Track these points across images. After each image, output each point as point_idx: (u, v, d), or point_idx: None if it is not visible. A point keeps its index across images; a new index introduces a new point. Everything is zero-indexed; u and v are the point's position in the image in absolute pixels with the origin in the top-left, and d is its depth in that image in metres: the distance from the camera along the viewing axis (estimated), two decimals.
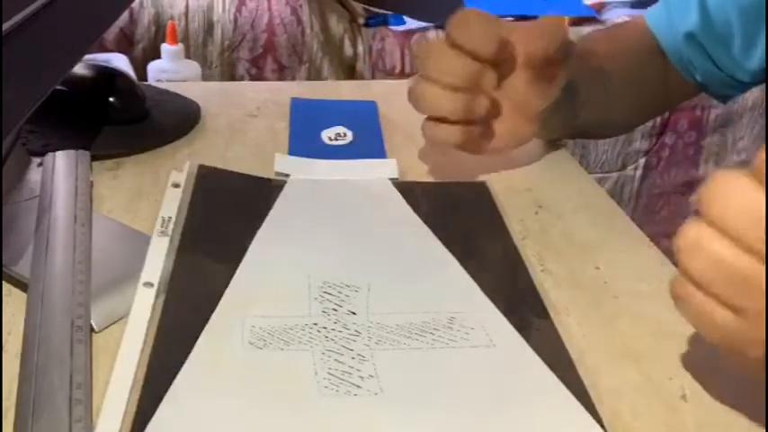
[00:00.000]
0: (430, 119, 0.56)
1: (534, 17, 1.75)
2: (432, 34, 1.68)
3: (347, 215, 0.55)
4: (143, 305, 0.43)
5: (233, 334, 0.41)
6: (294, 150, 0.63)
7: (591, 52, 0.67)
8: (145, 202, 0.54)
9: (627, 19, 1.60)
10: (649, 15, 0.73)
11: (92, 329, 0.41)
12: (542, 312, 0.45)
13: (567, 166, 0.65)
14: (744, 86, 0.71)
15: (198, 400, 0.37)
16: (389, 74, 1.67)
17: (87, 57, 0.91)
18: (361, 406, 0.37)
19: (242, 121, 0.69)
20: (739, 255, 0.32)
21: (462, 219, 0.56)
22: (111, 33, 1.52)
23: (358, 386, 0.39)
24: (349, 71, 1.67)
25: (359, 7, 1.68)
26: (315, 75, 1.62)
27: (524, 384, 0.40)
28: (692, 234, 0.33)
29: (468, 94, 0.54)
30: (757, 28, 0.65)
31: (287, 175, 0.59)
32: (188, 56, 1.53)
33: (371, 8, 1.67)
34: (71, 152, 0.56)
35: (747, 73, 0.68)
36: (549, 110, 0.58)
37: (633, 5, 1.83)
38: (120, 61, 1.41)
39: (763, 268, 0.31)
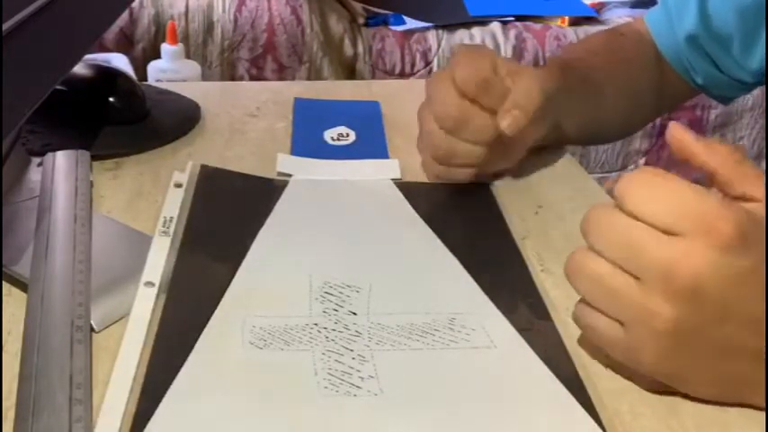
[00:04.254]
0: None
1: (534, 17, 1.75)
2: (431, 34, 1.68)
3: (349, 215, 0.55)
4: (144, 305, 0.43)
5: (233, 334, 0.41)
6: (297, 150, 0.63)
7: (583, 61, 0.67)
8: (145, 202, 0.54)
9: (627, 19, 1.61)
10: (649, 19, 0.73)
11: (92, 329, 0.41)
12: (543, 312, 0.45)
13: (567, 166, 0.65)
14: (745, 87, 0.71)
15: (198, 400, 0.37)
16: (389, 74, 1.67)
17: (87, 57, 0.91)
18: (361, 406, 0.37)
19: (242, 121, 0.69)
20: (614, 270, 0.37)
21: (463, 219, 0.56)
22: (111, 33, 1.52)
23: (358, 387, 0.39)
24: (349, 71, 1.67)
25: (359, 7, 1.68)
26: (315, 75, 1.62)
27: (525, 385, 0.40)
28: (576, 258, 0.38)
29: (467, 141, 0.55)
30: (756, 28, 0.65)
31: (289, 175, 0.59)
32: (188, 56, 1.53)
33: (371, 8, 1.67)
34: (71, 152, 0.56)
35: (748, 73, 0.68)
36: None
37: (633, 5, 1.83)
38: (120, 61, 1.41)
39: (633, 283, 0.36)
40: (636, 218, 0.36)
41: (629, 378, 0.40)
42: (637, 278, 0.36)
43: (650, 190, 0.36)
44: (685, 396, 0.40)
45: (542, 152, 0.64)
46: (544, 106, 0.54)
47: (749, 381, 0.38)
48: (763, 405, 0.38)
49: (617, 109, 0.71)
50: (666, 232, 0.36)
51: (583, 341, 0.43)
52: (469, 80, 0.53)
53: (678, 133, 0.39)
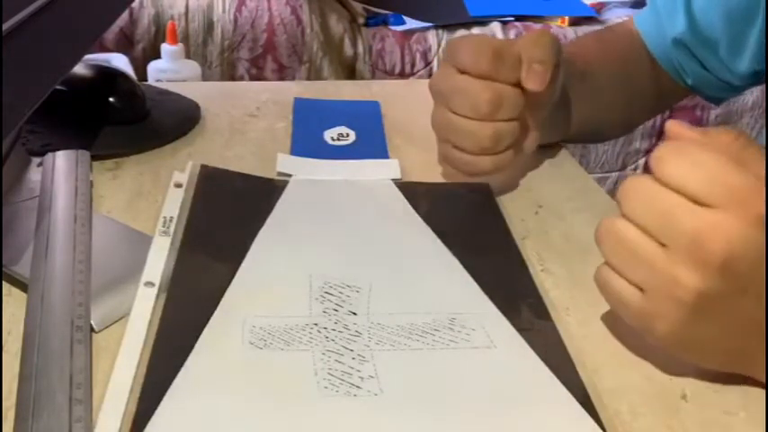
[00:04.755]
0: (457, 148, 0.55)
1: (534, 17, 1.75)
2: (431, 34, 1.68)
3: (349, 215, 0.55)
4: (144, 305, 0.43)
5: (233, 334, 0.41)
6: (297, 150, 0.63)
7: (579, 57, 0.67)
8: (145, 202, 0.54)
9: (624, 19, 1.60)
10: (639, 21, 0.73)
11: (92, 329, 0.41)
12: (542, 312, 0.45)
13: (567, 166, 0.65)
14: (735, 89, 0.72)
15: (198, 399, 0.37)
16: (389, 74, 1.67)
17: (87, 57, 0.91)
18: (361, 406, 0.37)
19: (242, 121, 0.69)
20: (641, 236, 0.37)
21: (463, 219, 0.56)
22: (111, 33, 1.52)
23: (358, 387, 0.39)
24: (349, 71, 1.67)
25: (359, 7, 1.68)
26: (315, 75, 1.62)
27: (524, 385, 0.40)
28: (607, 222, 0.39)
29: (498, 120, 0.53)
30: (742, 32, 0.65)
31: (289, 175, 0.59)
32: (188, 56, 1.53)
33: (371, 8, 1.67)
34: (71, 152, 0.56)
35: (736, 76, 0.69)
36: (547, 116, 0.58)
37: (633, 5, 1.83)
38: (120, 61, 1.41)
39: (660, 250, 0.37)
40: (669, 186, 0.36)
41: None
42: (664, 246, 0.37)
43: (685, 159, 0.36)
44: (684, 397, 0.40)
45: (542, 152, 0.64)
46: (557, 52, 0.53)
47: (758, 357, 0.38)
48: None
49: (617, 105, 0.71)
50: (699, 203, 0.36)
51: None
52: (481, 59, 0.52)
53: (676, 129, 0.39)
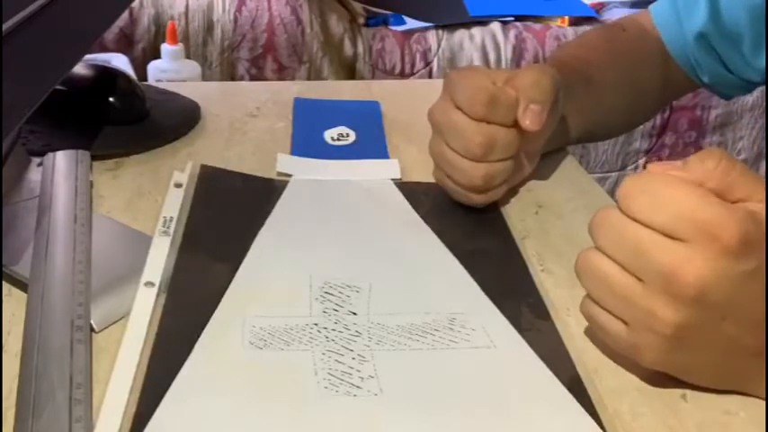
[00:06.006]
0: (450, 178, 0.55)
1: (534, 17, 1.75)
2: (431, 34, 1.68)
3: (349, 215, 0.55)
4: (144, 305, 0.43)
5: (234, 334, 0.41)
6: (297, 150, 0.63)
7: (584, 60, 0.66)
8: (144, 202, 0.54)
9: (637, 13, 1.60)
10: (655, 14, 0.72)
11: (92, 329, 0.41)
12: (542, 312, 0.45)
13: (567, 166, 0.65)
14: (751, 86, 0.71)
15: (198, 399, 0.37)
16: (389, 74, 1.67)
17: (87, 57, 0.91)
18: (361, 406, 0.37)
19: (242, 121, 0.69)
20: (618, 270, 0.38)
21: (463, 219, 0.56)
22: (111, 33, 1.52)
23: (358, 387, 0.39)
24: (349, 71, 1.67)
25: (359, 7, 1.68)
26: (315, 75, 1.62)
27: (524, 385, 0.40)
28: (585, 256, 0.39)
29: (490, 159, 0.52)
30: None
31: (289, 175, 0.59)
32: (188, 56, 1.53)
33: (371, 8, 1.67)
34: (71, 152, 0.56)
35: (757, 72, 0.68)
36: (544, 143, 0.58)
37: (633, 5, 1.83)
38: (120, 61, 1.41)
39: (636, 285, 0.37)
40: (639, 222, 0.37)
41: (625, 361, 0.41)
42: (641, 280, 0.37)
43: (649, 195, 0.37)
44: (684, 396, 0.40)
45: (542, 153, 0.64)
46: (555, 91, 0.53)
47: (749, 374, 0.39)
48: (763, 395, 0.39)
49: (620, 106, 0.70)
50: (669, 237, 0.36)
51: (588, 333, 0.43)
52: (476, 103, 0.51)
53: (659, 170, 0.39)
